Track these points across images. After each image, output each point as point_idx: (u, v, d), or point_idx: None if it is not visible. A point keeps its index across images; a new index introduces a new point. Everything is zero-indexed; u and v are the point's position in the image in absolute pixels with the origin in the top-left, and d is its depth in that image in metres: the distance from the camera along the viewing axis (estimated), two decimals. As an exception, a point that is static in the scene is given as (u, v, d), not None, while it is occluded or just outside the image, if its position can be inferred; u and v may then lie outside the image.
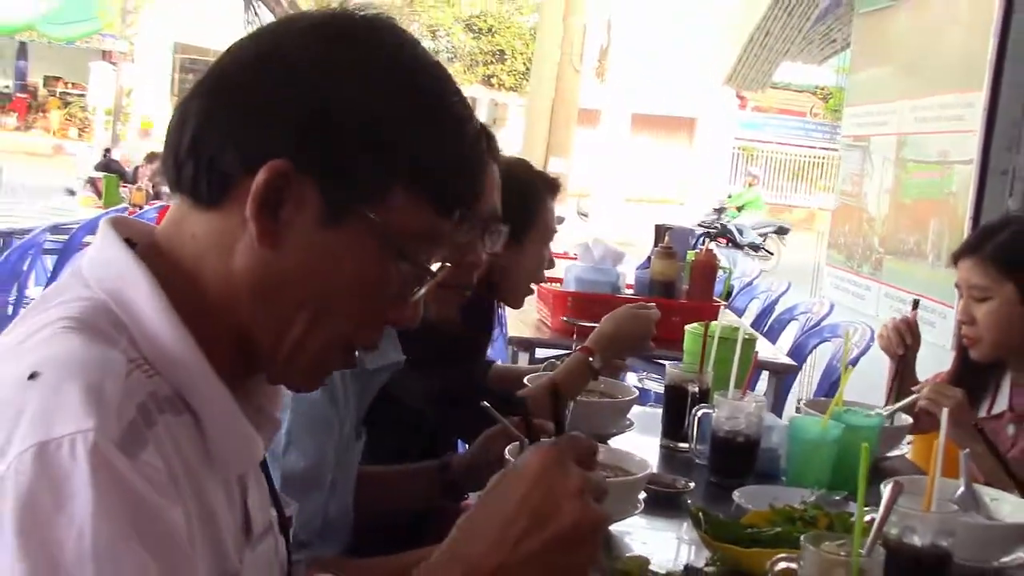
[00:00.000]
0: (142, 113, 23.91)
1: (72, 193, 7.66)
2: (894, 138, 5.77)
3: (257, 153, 0.96)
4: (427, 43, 26.78)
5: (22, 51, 27.33)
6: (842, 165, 6.87)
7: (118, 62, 23.56)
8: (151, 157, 8.50)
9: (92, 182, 7.22)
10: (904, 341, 2.79)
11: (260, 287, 0.99)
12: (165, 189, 7.70)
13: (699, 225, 13.29)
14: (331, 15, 1.04)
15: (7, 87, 27.76)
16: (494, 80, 25.50)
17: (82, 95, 25.50)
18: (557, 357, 2.80)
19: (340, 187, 0.98)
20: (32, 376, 0.85)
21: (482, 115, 27.54)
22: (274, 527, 1.15)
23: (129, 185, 7.47)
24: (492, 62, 25.44)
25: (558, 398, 1.34)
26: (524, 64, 24.61)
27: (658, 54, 24.03)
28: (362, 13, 1.03)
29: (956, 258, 2.66)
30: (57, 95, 27.37)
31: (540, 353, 3.89)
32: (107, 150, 10.20)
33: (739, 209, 17.19)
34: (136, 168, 8.91)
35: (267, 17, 15.67)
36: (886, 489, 1.45)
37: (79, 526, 0.79)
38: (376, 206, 0.99)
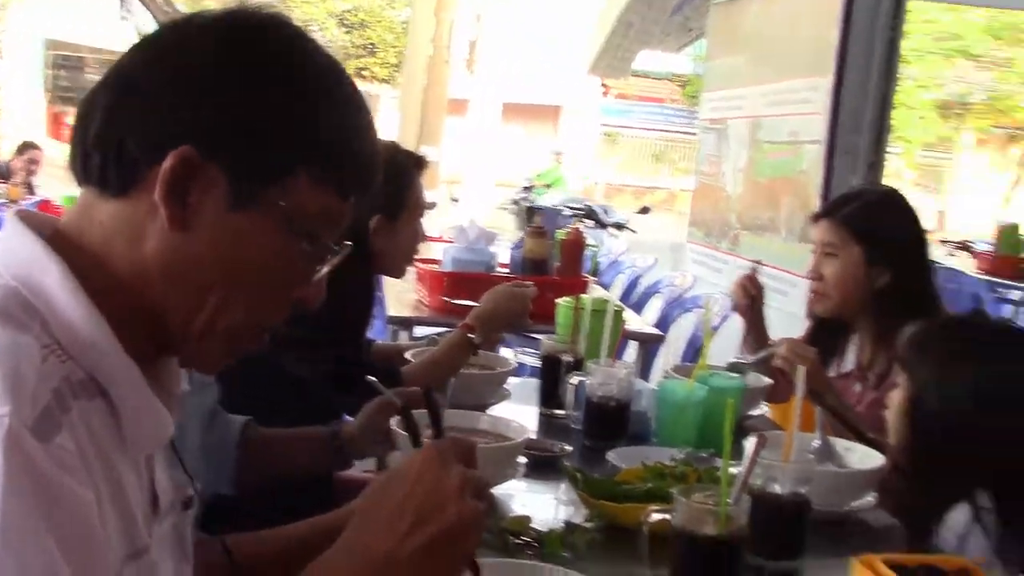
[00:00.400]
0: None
1: None
2: (748, 121, 5.90)
3: (163, 142, 0.96)
4: (300, 37, 26.48)
5: None
6: (700, 147, 7.00)
7: (-12, 59, 22.66)
8: (23, 148, 8.16)
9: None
10: (748, 293, 2.89)
11: (171, 270, 0.99)
12: (36, 180, 7.46)
13: (552, 204, 13.42)
14: (230, 12, 1.04)
15: None
16: (366, 72, 25.27)
17: (-49, 92, 24.44)
18: (438, 334, 2.82)
19: (245, 172, 0.99)
20: None
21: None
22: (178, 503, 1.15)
23: (4, 181, 7.19)
24: (364, 55, 25.19)
25: (431, 400, 1.36)
26: (395, 57, 24.45)
27: (526, 46, 24.15)
28: (259, 11, 1.05)
29: (815, 219, 2.76)
30: (-76, 92, 26.18)
31: (419, 331, 3.90)
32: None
33: (547, 187, 17.35)
34: (8, 163, 8.52)
35: (141, 13, 15.23)
36: (750, 443, 1.50)
37: None
38: (280, 190, 1.00)
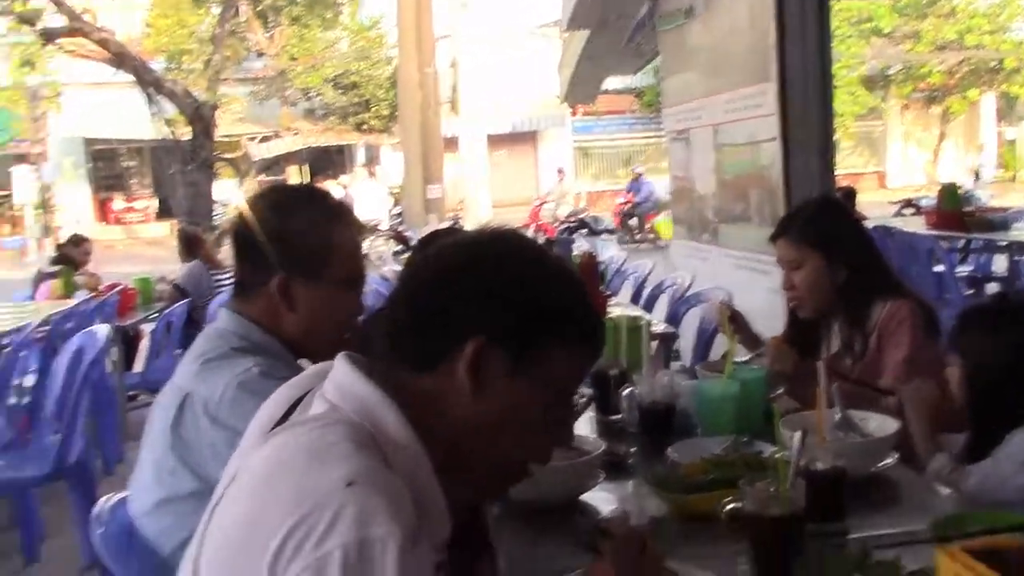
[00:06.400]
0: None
1: None
2: (709, 128, 5.94)
3: (462, 335, 1.14)
4: (303, 103, 26.41)
5: (-54, 167, 26.17)
6: (670, 156, 7.04)
7: (36, 162, 22.75)
8: (76, 241, 8.13)
9: (52, 275, 7.02)
10: (725, 314, 2.85)
11: (471, 424, 1.16)
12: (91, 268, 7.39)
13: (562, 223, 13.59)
14: (487, 235, 1.25)
15: (-61, 200, 26.53)
16: (365, 126, 25.32)
17: (8, 196, 24.48)
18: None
19: (518, 350, 1.16)
20: (349, 484, 0.99)
21: (359, 158, 27.29)
22: None
23: (80, 274, 7.24)
24: (360, 111, 25.24)
25: None
26: (387, 109, 24.42)
27: (499, 84, 24.24)
28: (502, 229, 1.25)
29: (772, 239, 2.80)
30: (-16, 200, 26.20)
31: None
32: (59, 245, 9.73)
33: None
34: (62, 252, 8.29)
35: (169, 109, 15.24)
36: (796, 436, 1.59)
37: None
38: (543, 359, 1.17)
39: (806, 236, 2.70)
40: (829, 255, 2.67)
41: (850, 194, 9.69)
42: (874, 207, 12.73)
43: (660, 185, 18.41)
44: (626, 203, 16.82)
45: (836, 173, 4.95)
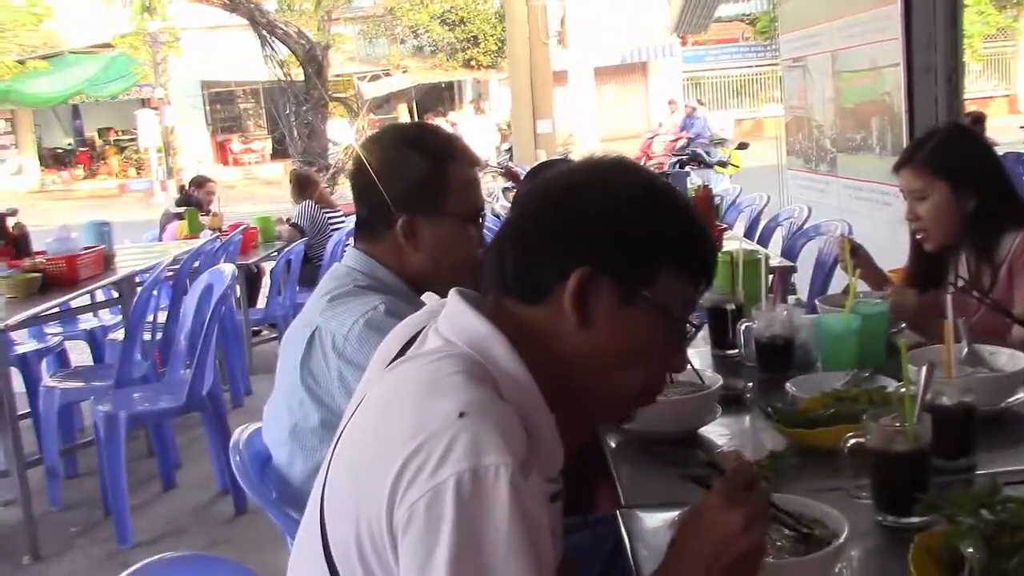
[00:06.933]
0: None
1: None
2: (828, 55, 5.80)
3: (566, 267, 1.14)
4: (411, 41, 26.51)
5: (76, 112, 27.28)
6: (786, 84, 6.88)
7: (158, 106, 23.47)
8: (199, 182, 8.33)
9: (178, 215, 7.26)
10: (848, 247, 2.79)
11: (581, 357, 1.16)
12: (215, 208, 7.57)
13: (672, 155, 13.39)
14: (592, 163, 1.23)
15: (70, 144, 27.72)
16: (473, 62, 25.32)
17: (133, 139, 25.37)
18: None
19: (624, 279, 1.15)
20: (462, 415, 1.01)
21: (468, 94, 27.32)
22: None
23: (204, 215, 7.46)
24: (468, 47, 25.23)
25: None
26: (495, 44, 24.36)
27: (607, 15, 23.84)
28: (609, 157, 1.23)
29: (896, 169, 2.71)
30: (112, 143, 27.24)
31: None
32: (182, 187, 9.99)
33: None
34: (187, 193, 8.50)
35: (282, 50, 15.49)
36: (922, 371, 1.55)
37: (499, 527, 0.97)
38: (651, 287, 1.15)
39: (932, 165, 2.61)
40: (956, 184, 2.58)
41: (979, 119, 9.28)
42: (1005, 132, 12.14)
43: (713, 120, 17.99)
44: (677, 139, 16.23)
45: (963, 98, 4.76)
